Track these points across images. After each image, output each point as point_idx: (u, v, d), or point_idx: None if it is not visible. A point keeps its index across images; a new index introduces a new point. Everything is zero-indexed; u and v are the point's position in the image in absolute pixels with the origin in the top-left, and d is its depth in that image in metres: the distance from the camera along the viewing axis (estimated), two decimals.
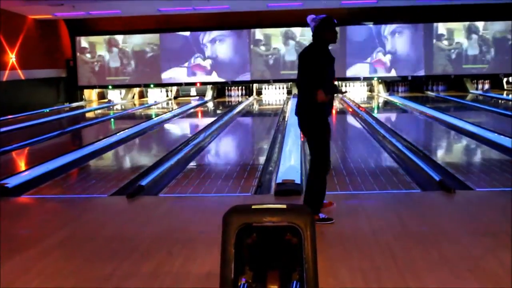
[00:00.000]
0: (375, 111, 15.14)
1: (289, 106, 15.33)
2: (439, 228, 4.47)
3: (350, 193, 5.78)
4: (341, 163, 7.39)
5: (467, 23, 19.41)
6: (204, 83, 20.19)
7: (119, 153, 9.32)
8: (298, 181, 5.88)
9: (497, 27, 19.37)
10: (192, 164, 7.81)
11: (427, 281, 3.41)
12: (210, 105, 18.56)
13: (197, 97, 19.91)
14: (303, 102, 4.60)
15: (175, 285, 3.47)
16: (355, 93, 20.09)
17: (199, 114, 15.96)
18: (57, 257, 4.04)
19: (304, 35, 19.50)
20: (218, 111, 16.15)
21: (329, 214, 4.71)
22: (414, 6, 17.96)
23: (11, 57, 16.50)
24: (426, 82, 20.29)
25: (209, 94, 20.33)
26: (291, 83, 20.00)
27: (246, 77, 19.92)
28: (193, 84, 20.38)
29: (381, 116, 13.52)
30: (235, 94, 20.73)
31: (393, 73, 19.66)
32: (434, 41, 19.51)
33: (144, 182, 6.28)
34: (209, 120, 13.39)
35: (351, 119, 12.87)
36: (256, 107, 17.68)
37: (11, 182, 6.44)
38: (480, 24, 19.39)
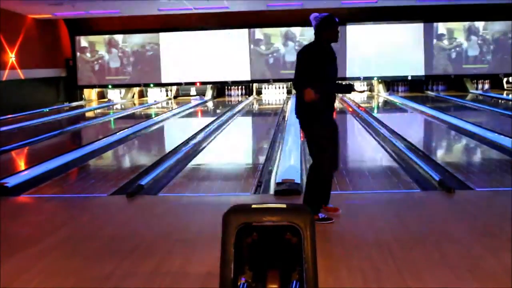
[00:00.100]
0: (375, 110, 15.14)
1: (289, 106, 15.33)
2: (439, 228, 4.47)
3: (350, 193, 5.78)
4: (341, 163, 7.38)
5: (467, 23, 19.42)
6: (204, 83, 20.19)
7: (119, 152, 9.32)
8: (298, 180, 5.87)
9: (497, 27, 19.37)
10: (192, 163, 7.80)
11: (426, 281, 3.41)
12: (210, 104, 18.56)
13: (197, 97, 19.90)
14: (302, 102, 4.59)
15: (175, 284, 3.46)
16: (355, 92, 20.04)
17: (199, 114, 15.96)
18: (56, 257, 4.03)
19: (303, 35, 19.50)
20: (218, 111, 16.15)
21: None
22: (414, 6, 17.95)
23: (11, 57, 16.50)
24: (426, 82, 20.29)
25: (209, 93, 20.33)
26: (291, 82, 19.96)
27: (246, 76, 19.92)
28: (193, 83, 20.38)
29: (381, 116, 13.52)
30: (235, 94, 20.73)
31: (393, 73, 19.65)
32: (434, 41, 19.51)
33: (143, 182, 6.27)
34: (209, 119, 13.39)
35: (351, 119, 12.87)
36: (256, 106, 17.68)
37: (11, 181, 6.43)
38: (480, 24, 19.40)
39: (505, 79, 20.23)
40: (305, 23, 19.33)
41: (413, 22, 19.39)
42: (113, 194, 6.05)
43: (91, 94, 20.94)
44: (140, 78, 20.23)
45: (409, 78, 19.82)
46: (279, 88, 20.45)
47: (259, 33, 19.78)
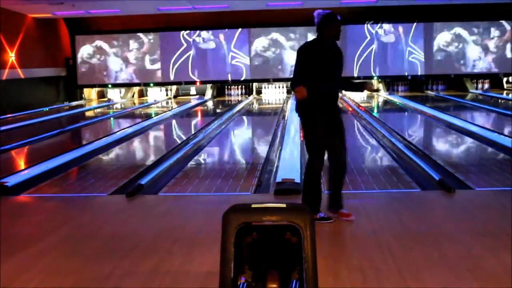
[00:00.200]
0: (375, 110, 15.14)
1: (288, 105, 15.33)
2: (439, 228, 4.47)
3: (350, 192, 5.77)
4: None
5: (467, 23, 19.41)
6: (203, 82, 20.19)
7: (119, 152, 9.32)
8: (297, 180, 5.87)
9: (497, 26, 19.36)
10: (192, 163, 7.80)
11: (426, 280, 3.41)
12: (210, 104, 18.56)
13: (197, 96, 19.90)
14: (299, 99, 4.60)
15: (175, 284, 3.46)
16: (354, 92, 20.09)
17: (199, 113, 15.96)
18: (56, 256, 4.03)
19: (303, 34, 19.49)
20: (218, 110, 16.15)
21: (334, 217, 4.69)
22: (414, 5, 17.95)
23: (11, 56, 16.49)
24: (426, 82, 20.29)
25: (208, 93, 20.34)
26: (290, 82, 19.96)
27: (246, 76, 19.91)
28: (193, 83, 20.38)
29: (381, 116, 13.52)
30: (235, 93, 20.73)
31: (393, 73, 19.65)
32: (434, 40, 19.51)
33: (143, 181, 6.27)
34: (209, 119, 13.39)
35: (350, 119, 12.87)
36: (255, 106, 17.68)
37: (11, 180, 6.43)
38: (480, 24, 19.39)
39: (505, 79, 20.24)
40: (304, 22, 19.40)
41: (413, 22, 19.38)
42: (113, 194, 6.05)
43: (91, 93, 20.94)
44: (140, 77, 20.22)
45: (409, 77, 19.82)
46: (279, 87, 20.46)
47: (259, 32, 19.77)
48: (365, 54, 19.48)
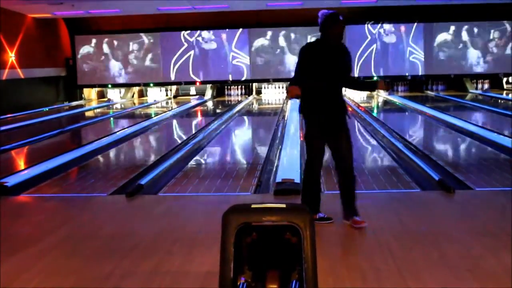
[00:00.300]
0: (375, 110, 15.14)
1: (288, 106, 15.31)
2: (439, 228, 4.47)
3: None
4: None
5: (467, 23, 19.41)
6: (203, 82, 20.19)
7: (119, 152, 9.32)
8: (297, 180, 5.87)
9: (497, 26, 19.36)
10: (192, 163, 7.80)
11: (426, 280, 3.41)
12: (210, 104, 18.56)
13: (197, 96, 19.91)
14: (301, 99, 4.59)
15: (174, 284, 3.46)
16: (354, 92, 20.08)
17: (199, 113, 15.96)
18: (56, 256, 4.04)
19: (303, 34, 19.49)
20: (218, 110, 16.15)
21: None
22: (414, 5, 17.95)
23: (11, 56, 16.49)
24: (426, 82, 20.29)
25: (208, 93, 20.34)
26: (289, 82, 19.97)
27: (246, 76, 19.92)
28: (193, 83, 20.38)
29: (381, 116, 13.52)
30: (235, 93, 20.73)
31: (393, 73, 19.65)
32: (434, 40, 19.51)
33: (143, 181, 6.27)
34: (209, 119, 13.39)
35: (350, 119, 12.85)
36: (255, 106, 17.68)
37: (11, 181, 6.44)
38: (480, 24, 19.39)
39: (504, 79, 20.24)
40: (305, 22, 19.40)
41: (413, 22, 19.38)
42: (113, 194, 6.05)
43: (90, 93, 20.94)
44: (140, 77, 20.22)
45: (409, 78, 19.82)
46: (279, 87, 20.45)
47: (259, 32, 19.77)
48: (365, 54, 19.47)
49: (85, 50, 20.17)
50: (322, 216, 4.60)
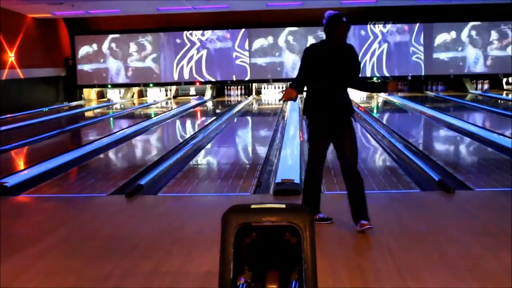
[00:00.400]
0: (375, 110, 15.14)
1: (288, 106, 15.30)
2: (438, 228, 4.47)
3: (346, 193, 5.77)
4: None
5: (466, 23, 19.42)
6: (203, 83, 20.19)
7: (118, 152, 9.32)
8: (297, 180, 5.87)
9: (497, 27, 19.36)
10: (191, 163, 7.80)
11: (426, 281, 3.41)
12: (210, 104, 18.56)
13: (197, 97, 19.90)
14: (304, 100, 4.58)
15: (174, 284, 3.46)
16: (354, 92, 20.09)
17: (198, 114, 15.96)
18: (56, 256, 4.03)
19: (303, 34, 19.50)
20: (218, 111, 16.15)
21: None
22: (414, 6, 17.96)
23: (10, 56, 16.49)
24: (426, 82, 20.30)
25: (208, 93, 20.33)
26: (290, 82, 19.98)
27: (246, 76, 19.92)
28: (193, 83, 20.37)
29: (381, 116, 13.52)
30: (234, 94, 20.73)
31: (392, 73, 19.65)
32: (434, 41, 19.51)
33: (143, 182, 6.27)
34: (208, 119, 13.39)
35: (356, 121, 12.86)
36: (255, 106, 17.68)
37: (10, 181, 6.43)
38: (479, 24, 19.39)
39: (504, 79, 20.24)
40: (305, 23, 19.39)
41: (412, 22, 19.38)
42: (113, 194, 6.05)
43: (90, 93, 20.94)
44: (140, 77, 20.21)
45: (409, 78, 19.82)
46: (279, 88, 20.45)
47: (258, 32, 19.76)
48: (364, 54, 19.46)
49: (85, 50, 20.17)
50: (322, 216, 4.60)
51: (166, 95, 21.17)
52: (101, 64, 20.21)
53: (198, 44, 19.86)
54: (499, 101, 17.03)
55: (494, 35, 19.41)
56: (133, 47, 20.14)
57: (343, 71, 4.41)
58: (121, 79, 20.27)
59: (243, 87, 20.71)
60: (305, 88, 4.56)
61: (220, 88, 20.98)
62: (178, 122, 13.87)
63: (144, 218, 5.06)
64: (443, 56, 19.57)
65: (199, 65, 19.91)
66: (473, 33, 19.47)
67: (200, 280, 3.49)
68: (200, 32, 19.78)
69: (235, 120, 13.51)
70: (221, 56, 19.85)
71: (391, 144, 8.71)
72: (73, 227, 4.81)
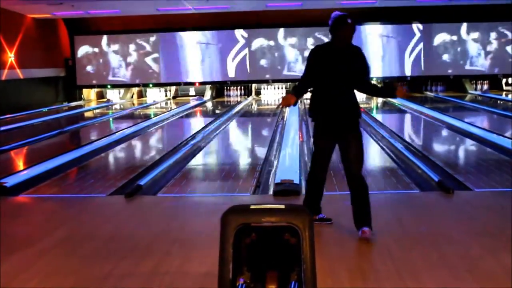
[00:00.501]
0: (374, 111, 15.14)
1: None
2: (438, 229, 4.47)
3: (348, 193, 5.76)
4: (339, 164, 7.37)
5: (466, 24, 19.42)
6: (203, 83, 20.18)
7: (118, 152, 9.31)
8: (296, 181, 5.87)
9: (497, 27, 19.37)
10: (191, 163, 7.80)
11: (425, 281, 3.41)
12: (209, 105, 18.56)
13: (196, 97, 19.90)
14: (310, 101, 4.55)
15: (173, 285, 3.46)
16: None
17: (198, 114, 15.96)
18: (55, 256, 4.03)
19: (303, 35, 19.50)
20: (217, 111, 16.15)
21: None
22: (414, 6, 17.96)
23: (10, 56, 16.48)
24: (425, 82, 20.30)
25: (208, 94, 20.33)
26: (290, 83, 20.05)
27: (245, 77, 19.92)
28: (192, 83, 20.37)
29: (380, 116, 13.52)
30: (234, 94, 20.73)
31: (392, 73, 19.66)
32: (434, 41, 19.52)
33: (142, 182, 6.27)
34: (208, 120, 13.39)
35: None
36: (255, 107, 17.68)
37: (10, 181, 6.43)
38: (479, 25, 19.39)
39: (504, 80, 20.24)
40: (304, 23, 19.39)
41: (412, 23, 19.39)
42: (112, 194, 6.04)
43: (90, 94, 20.93)
44: (140, 78, 20.21)
45: (408, 78, 19.82)
46: (278, 88, 20.46)
47: (258, 33, 19.76)
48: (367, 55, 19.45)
49: (84, 50, 20.16)
50: (322, 217, 4.60)
51: (166, 96, 21.17)
52: (101, 65, 20.20)
53: (197, 44, 19.83)
54: (498, 101, 17.03)
55: (493, 35, 19.41)
56: (132, 47, 20.13)
57: (348, 73, 4.34)
58: (121, 80, 20.26)
59: (242, 87, 20.71)
60: (310, 89, 4.51)
61: (219, 88, 20.98)
62: (177, 123, 13.87)
63: (143, 218, 5.05)
64: (443, 56, 19.56)
65: (198, 64, 19.86)
66: (473, 33, 19.47)
67: (200, 281, 3.49)
68: (199, 32, 19.74)
69: (235, 121, 13.50)
70: (220, 56, 19.82)
71: (391, 144, 8.71)
72: (72, 227, 4.81)
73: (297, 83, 4.60)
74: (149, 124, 12.84)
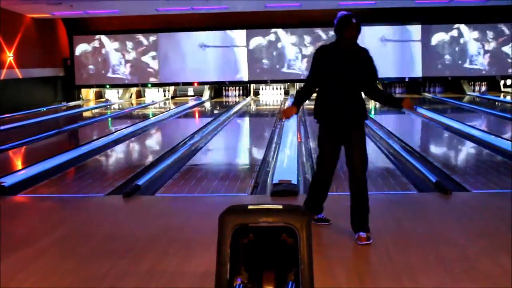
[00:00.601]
0: (372, 112, 15.14)
1: (286, 107, 15.30)
2: (436, 230, 4.48)
3: (347, 194, 5.77)
4: (338, 165, 7.37)
5: (464, 25, 19.44)
6: (201, 83, 20.17)
7: (116, 152, 9.31)
8: (294, 181, 5.87)
9: (495, 29, 19.38)
10: (189, 164, 7.80)
11: (423, 282, 3.42)
12: (207, 105, 18.55)
13: (195, 97, 19.89)
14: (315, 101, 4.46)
15: (171, 284, 3.46)
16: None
17: (196, 114, 15.96)
18: (53, 256, 4.03)
19: (301, 35, 19.50)
20: (215, 111, 16.15)
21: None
22: (412, 7, 17.97)
23: (9, 56, 16.46)
24: (423, 84, 20.31)
25: (206, 94, 20.32)
26: (288, 83, 20.05)
27: (244, 77, 19.91)
28: (191, 83, 20.36)
29: (378, 118, 13.52)
30: (232, 94, 20.72)
31: (390, 74, 19.66)
32: (432, 42, 19.53)
33: (140, 182, 6.27)
34: (206, 120, 13.39)
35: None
36: (253, 107, 17.68)
37: (8, 180, 6.42)
38: (478, 26, 19.41)
39: (502, 82, 20.26)
40: (302, 24, 19.39)
41: (411, 24, 19.40)
42: (110, 194, 6.04)
43: (88, 94, 20.91)
44: (138, 78, 20.19)
45: (406, 79, 19.83)
46: (277, 89, 20.46)
47: (257, 33, 19.75)
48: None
49: (83, 50, 20.14)
50: (321, 217, 4.59)
51: (164, 96, 21.16)
52: (100, 64, 20.18)
53: (196, 44, 19.81)
54: (496, 103, 17.04)
55: (492, 36, 19.43)
56: (131, 47, 20.11)
57: (354, 74, 4.26)
58: (120, 80, 20.24)
59: (241, 88, 20.71)
60: (314, 90, 4.43)
61: (218, 88, 20.97)
62: (176, 123, 13.86)
63: (141, 218, 5.06)
64: (441, 57, 19.57)
65: (197, 65, 19.85)
66: (471, 34, 19.48)
67: (197, 281, 3.49)
68: (198, 32, 19.73)
69: (233, 121, 13.50)
70: (218, 56, 19.81)
71: (389, 145, 8.72)
72: (70, 227, 4.81)
73: (301, 86, 4.53)
74: (148, 124, 12.84)
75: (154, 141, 11.23)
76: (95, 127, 13.10)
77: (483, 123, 12.40)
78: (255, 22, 19.26)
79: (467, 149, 8.95)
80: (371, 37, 19.47)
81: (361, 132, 4.36)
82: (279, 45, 19.75)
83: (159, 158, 8.13)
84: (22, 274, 3.69)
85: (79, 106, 18.60)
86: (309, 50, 19.31)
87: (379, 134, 9.91)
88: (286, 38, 19.71)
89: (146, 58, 20.09)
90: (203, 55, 19.83)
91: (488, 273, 3.54)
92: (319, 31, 18.99)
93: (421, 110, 13.96)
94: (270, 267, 2.08)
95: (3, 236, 4.51)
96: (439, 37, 19.55)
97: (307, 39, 19.42)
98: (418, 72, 19.63)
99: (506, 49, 19.35)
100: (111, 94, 21.03)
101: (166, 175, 6.98)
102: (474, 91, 19.98)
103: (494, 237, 4.22)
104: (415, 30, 19.49)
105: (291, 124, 10.80)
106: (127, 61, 20.15)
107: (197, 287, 3.42)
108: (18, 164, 8.74)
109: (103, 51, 20.15)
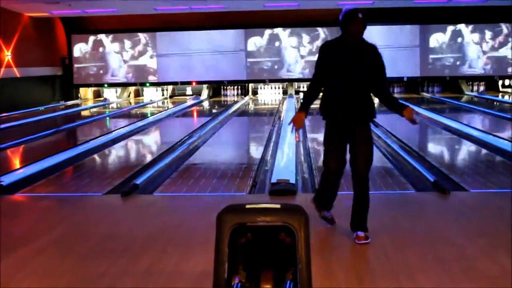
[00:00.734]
0: None
1: (284, 106, 15.33)
2: (434, 229, 4.48)
3: (345, 193, 5.76)
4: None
5: (463, 25, 19.45)
6: (200, 82, 20.16)
7: (114, 151, 9.30)
8: (292, 181, 5.87)
9: (494, 29, 19.40)
10: (187, 163, 7.79)
11: (421, 282, 3.42)
12: (206, 104, 18.55)
13: (193, 96, 19.88)
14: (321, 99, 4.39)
15: (169, 284, 3.46)
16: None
17: (195, 113, 15.95)
18: (51, 255, 4.03)
19: (300, 34, 19.50)
20: (214, 111, 16.14)
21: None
22: (410, 7, 17.98)
23: (7, 55, 16.44)
24: (422, 83, 20.32)
25: (204, 93, 20.31)
26: (287, 83, 20.04)
27: (242, 76, 19.90)
28: (189, 83, 20.35)
29: (376, 117, 13.51)
30: (231, 94, 20.72)
31: (389, 74, 19.65)
32: (430, 42, 19.54)
33: (138, 181, 6.27)
34: (205, 119, 13.38)
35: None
36: (251, 106, 17.68)
37: (6, 180, 6.41)
38: (476, 26, 19.42)
39: (500, 82, 20.27)
40: (301, 23, 19.40)
41: (409, 24, 19.41)
42: (108, 193, 6.04)
43: (87, 93, 20.90)
44: (136, 77, 20.18)
45: (405, 79, 19.84)
46: (275, 88, 20.45)
47: (255, 33, 19.75)
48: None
49: (81, 49, 20.11)
50: (327, 215, 4.53)
51: (163, 95, 21.15)
52: (98, 63, 20.16)
53: (195, 43, 19.79)
54: (494, 103, 17.05)
55: (490, 36, 19.44)
56: (130, 46, 20.10)
57: (360, 71, 4.18)
58: (118, 79, 20.23)
59: (239, 87, 20.71)
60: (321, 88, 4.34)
61: (216, 88, 20.96)
62: (174, 122, 13.86)
63: (139, 217, 5.05)
64: (439, 57, 19.58)
65: (195, 64, 19.85)
66: (470, 34, 19.50)
67: (195, 280, 3.49)
68: (197, 32, 19.70)
69: (231, 120, 13.50)
70: (217, 56, 19.79)
71: (387, 145, 8.72)
72: (68, 226, 4.80)
73: (300, 86, 4.48)
74: (146, 123, 12.83)
75: (152, 140, 11.23)
76: (93, 126, 13.09)
77: (481, 123, 12.40)
78: (253, 21, 19.26)
79: (465, 148, 8.95)
80: (369, 37, 19.49)
81: (367, 129, 4.32)
82: (278, 44, 19.74)
83: (157, 157, 8.13)
84: (20, 273, 3.68)
85: (77, 105, 18.57)
86: (308, 49, 19.32)
87: (377, 133, 9.90)
88: (284, 38, 19.70)
89: (145, 57, 20.08)
90: (202, 54, 19.81)
91: (486, 272, 3.54)
92: (318, 30, 19.00)
93: (419, 110, 13.96)
94: (268, 266, 2.07)
95: (1, 235, 4.51)
96: (437, 37, 19.56)
97: (306, 38, 19.42)
98: (416, 72, 19.63)
99: (504, 49, 19.36)
100: (109, 93, 21.01)
101: (164, 174, 6.98)
102: (472, 91, 20.00)
103: (493, 237, 4.22)
104: (414, 30, 19.49)
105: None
106: (125, 60, 20.13)
107: (195, 286, 3.41)
108: (16, 163, 8.73)
109: (101, 50, 20.13)
